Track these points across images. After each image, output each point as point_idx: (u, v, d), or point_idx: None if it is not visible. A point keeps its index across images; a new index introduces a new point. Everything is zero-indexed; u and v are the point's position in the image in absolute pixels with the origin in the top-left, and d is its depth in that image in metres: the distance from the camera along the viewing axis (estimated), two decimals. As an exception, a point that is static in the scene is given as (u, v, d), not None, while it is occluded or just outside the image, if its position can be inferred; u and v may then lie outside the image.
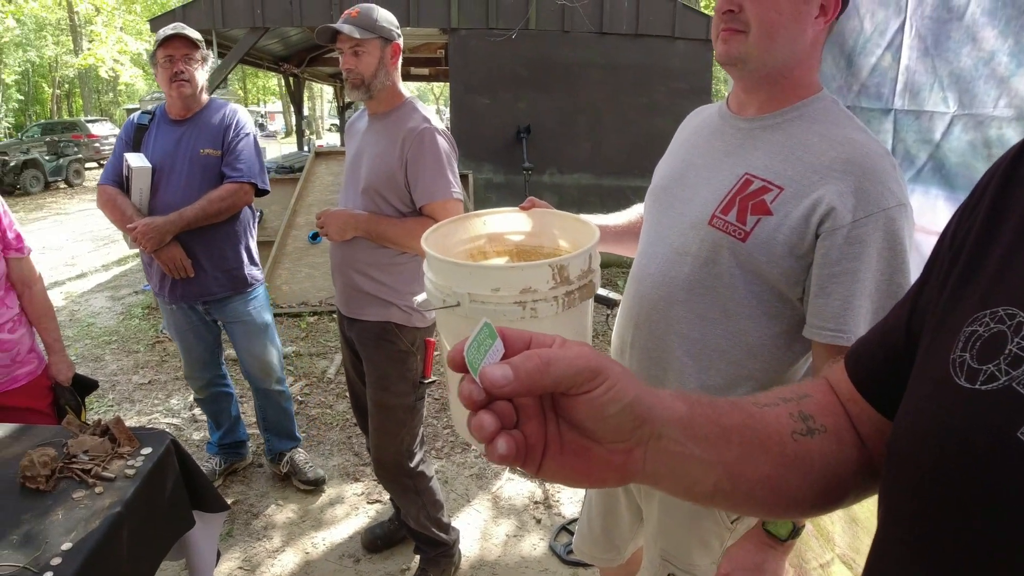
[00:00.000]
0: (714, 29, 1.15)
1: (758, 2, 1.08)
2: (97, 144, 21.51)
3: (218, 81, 6.66)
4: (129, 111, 31.54)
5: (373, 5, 2.08)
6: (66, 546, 1.42)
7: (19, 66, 31.48)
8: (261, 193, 2.74)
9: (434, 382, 2.29)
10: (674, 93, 6.82)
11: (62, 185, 16.60)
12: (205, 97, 2.72)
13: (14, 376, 2.17)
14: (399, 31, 2.11)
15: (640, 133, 6.84)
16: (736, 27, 1.10)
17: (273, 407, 3.06)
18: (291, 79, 12.09)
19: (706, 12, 7.92)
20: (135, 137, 2.68)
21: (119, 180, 2.64)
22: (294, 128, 14.41)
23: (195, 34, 2.60)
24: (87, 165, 19.04)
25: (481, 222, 1.41)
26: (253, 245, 2.85)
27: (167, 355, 4.85)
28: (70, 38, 30.05)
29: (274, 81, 36.63)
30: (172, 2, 22.14)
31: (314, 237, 5.61)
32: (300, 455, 3.15)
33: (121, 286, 6.95)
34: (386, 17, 2.07)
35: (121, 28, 17.96)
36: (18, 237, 2.23)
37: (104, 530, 1.48)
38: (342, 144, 15.35)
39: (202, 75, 2.65)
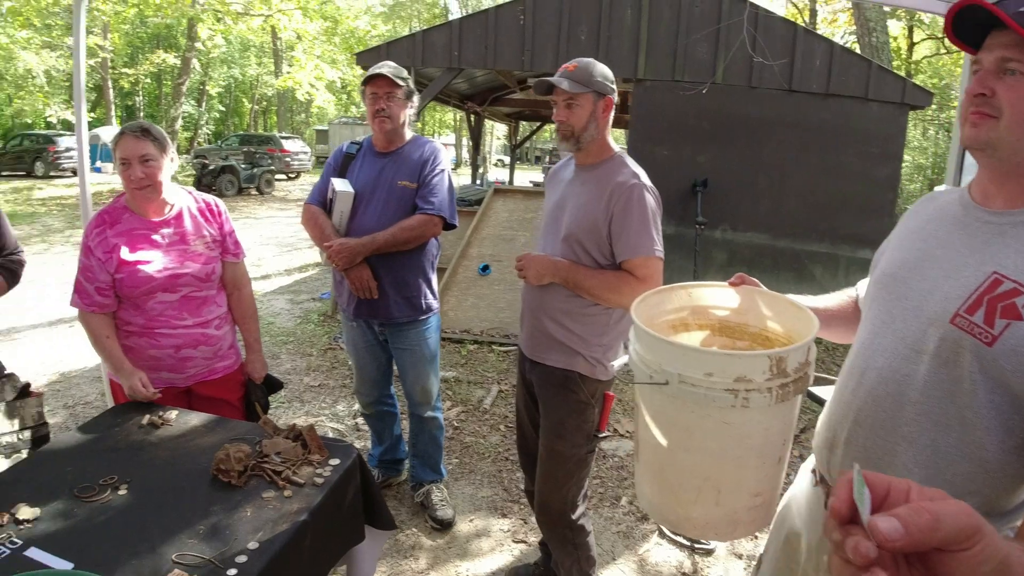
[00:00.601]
0: (962, 111, 1.10)
1: (1013, 88, 1.02)
2: (288, 159, 24.03)
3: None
4: (318, 131, 34.88)
5: (592, 60, 2.13)
6: (252, 545, 1.49)
7: (223, 81, 35.90)
8: (449, 227, 2.88)
9: (607, 436, 2.28)
10: (864, 156, 6.43)
11: (253, 192, 18.56)
12: (409, 133, 2.91)
13: (213, 368, 2.42)
14: (614, 85, 2.15)
15: (824, 195, 6.50)
16: (987, 111, 1.05)
17: (425, 435, 3.16)
18: (472, 116, 12.73)
19: (900, 74, 7.42)
20: (343, 164, 2.93)
21: (323, 201, 2.89)
22: (468, 162, 15.13)
23: (402, 72, 2.77)
24: (276, 176, 21.24)
25: (687, 294, 1.40)
26: (434, 277, 3.01)
27: (337, 362, 5.21)
28: (272, 60, 33.64)
29: (450, 115, 38.87)
30: (371, 34, 24.22)
31: (484, 269, 5.82)
32: (437, 493, 3.18)
33: (301, 291, 7.58)
34: (603, 72, 2.12)
35: (319, 56, 19.86)
36: (236, 243, 2.51)
37: (290, 534, 1.56)
38: (510, 181, 15.95)
39: (404, 112, 2.81)
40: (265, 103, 41.83)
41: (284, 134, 28.03)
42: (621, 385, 4.35)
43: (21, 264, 2.27)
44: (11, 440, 1.99)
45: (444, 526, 3.06)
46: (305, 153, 26.15)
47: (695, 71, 6.39)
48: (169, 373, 2.33)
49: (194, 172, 18.37)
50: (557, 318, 2.16)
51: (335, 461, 1.88)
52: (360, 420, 4.12)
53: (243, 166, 18.29)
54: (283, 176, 23.51)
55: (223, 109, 38.92)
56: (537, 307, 2.21)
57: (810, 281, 6.66)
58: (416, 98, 2.88)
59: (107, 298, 2.23)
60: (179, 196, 2.38)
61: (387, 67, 2.76)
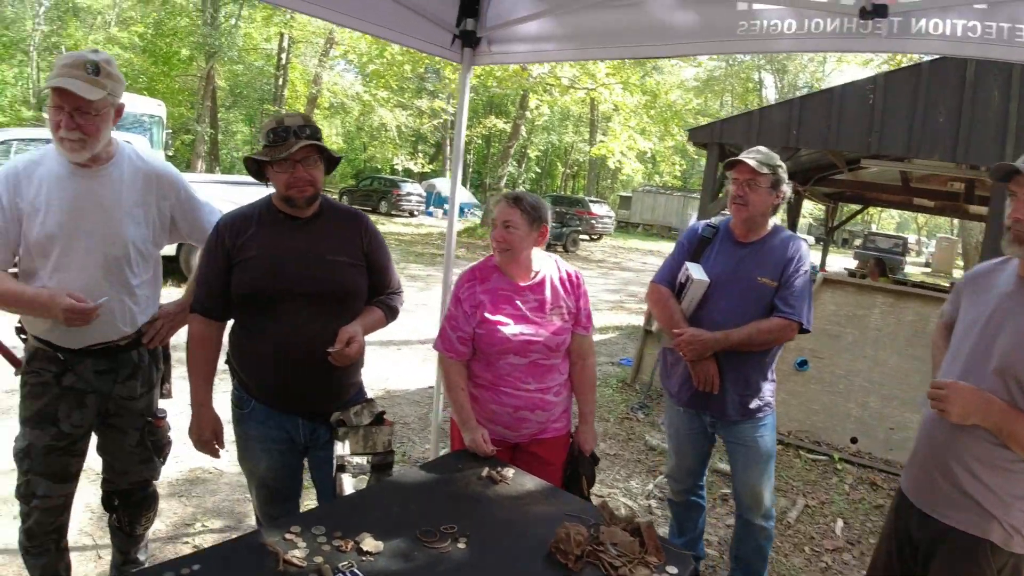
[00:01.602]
0: None
1: None
2: (593, 221, 25.45)
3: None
4: (622, 197, 36.22)
5: None
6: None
7: (542, 145, 39.04)
8: (803, 332, 2.62)
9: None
10: None
11: (560, 249, 19.71)
12: (770, 223, 2.73)
13: (544, 430, 2.46)
14: None
15: None
16: None
17: (750, 542, 2.86)
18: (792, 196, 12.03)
19: None
20: (697, 247, 2.80)
21: (672, 282, 2.79)
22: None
23: (772, 159, 2.61)
24: (581, 236, 22.42)
25: None
26: (773, 374, 2.75)
27: (633, 435, 5.10)
28: (587, 129, 35.72)
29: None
30: (685, 107, 24.52)
31: (801, 364, 5.32)
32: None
33: (600, 352, 7.65)
34: None
35: (633, 127, 20.58)
36: (588, 316, 2.53)
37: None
38: (822, 264, 14.73)
39: (764, 199, 2.61)
40: (576, 167, 44.76)
41: (592, 198, 29.65)
42: None
43: (401, 303, 2.52)
44: (360, 462, 2.18)
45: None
46: (609, 217, 27.49)
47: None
48: (504, 429, 2.42)
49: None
50: (973, 468, 1.74)
51: (672, 570, 1.73)
52: (654, 502, 3.94)
53: (553, 224, 19.55)
54: (587, 237, 24.87)
55: (539, 171, 42.62)
56: (947, 449, 1.80)
57: None
58: (787, 187, 2.69)
59: (466, 347, 2.40)
60: (545, 264, 2.48)
61: (755, 154, 2.63)
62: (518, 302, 2.38)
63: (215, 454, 2.29)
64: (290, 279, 2.09)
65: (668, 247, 11.66)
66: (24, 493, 2.23)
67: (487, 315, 2.34)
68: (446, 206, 28.75)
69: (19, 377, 2.26)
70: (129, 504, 2.47)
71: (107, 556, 2.93)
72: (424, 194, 27.29)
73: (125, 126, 13.07)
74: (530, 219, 2.35)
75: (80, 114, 1.99)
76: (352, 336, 2.08)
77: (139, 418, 2.35)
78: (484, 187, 35.78)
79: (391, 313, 2.35)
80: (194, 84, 25.84)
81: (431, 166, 34.59)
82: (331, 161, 2.19)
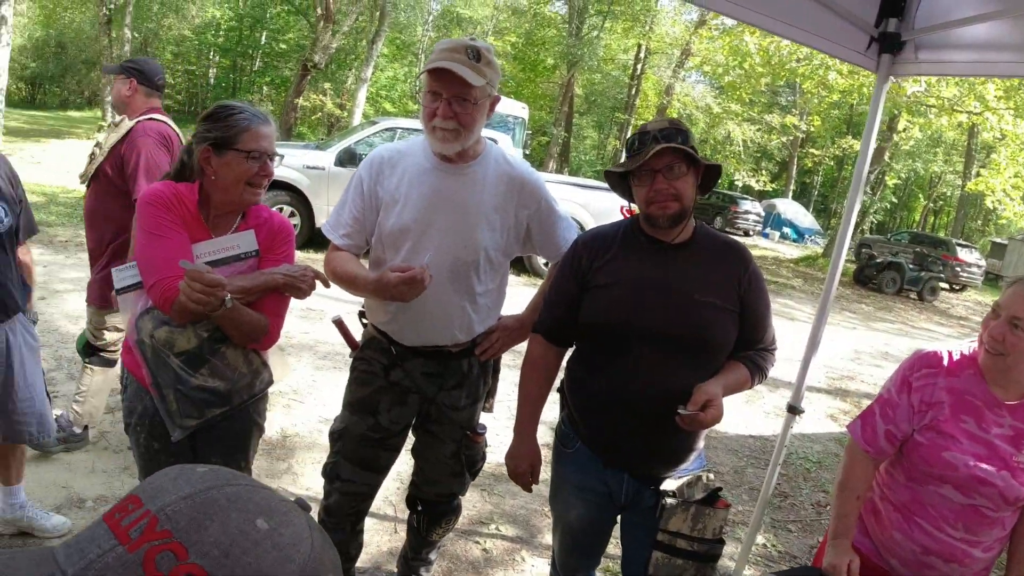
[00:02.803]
0: None
1: None
2: (959, 268, 20.89)
3: None
4: (994, 244, 29.59)
5: None
6: None
7: (904, 173, 33.49)
8: None
9: None
10: None
11: (912, 296, 16.79)
12: None
13: None
14: None
15: None
16: None
17: None
18: None
19: None
20: None
21: None
22: None
23: None
24: (942, 285, 18.65)
25: None
26: None
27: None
28: (961, 160, 30.01)
29: None
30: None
31: None
32: None
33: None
34: None
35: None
36: None
37: None
38: None
39: None
40: (941, 202, 38.37)
41: (959, 240, 24.82)
42: None
43: (772, 363, 2.02)
44: (688, 548, 1.78)
45: None
46: (979, 266, 22.45)
47: None
48: (897, 564, 1.81)
49: (857, 261, 17.84)
50: None
51: None
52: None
53: (911, 266, 16.79)
54: (947, 286, 20.75)
55: (895, 201, 37.30)
56: None
57: None
58: None
59: (891, 447, 1.82)
60: None
61: None
62: (990, 423, 1.71)
63: (527, 488, 2.10)
64: (645, 316, 1.76)
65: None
66: (330, 473, 2.29)
67: (939, 422, 1.73)
68: (785, 229, 26.83)
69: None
70: (431, 513, 2.42)
71: (403, 532, 3.00)
72: (763, 214, 25.66)
73: (491, 124, 14.43)
74: None
75: (458, 101, 1.88)
76: (710, 399, 1.68)
77: (458, 430, 2.26)
78: (829, 213, 32.52)
79: (759, 374, 1.89)
80: (554, 90, 27.73)
81: (773, 185, 32.50)
82: (707, 176, 1.80)
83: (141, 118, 3.05)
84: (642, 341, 1.77)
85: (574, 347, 2.00)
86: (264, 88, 30.71)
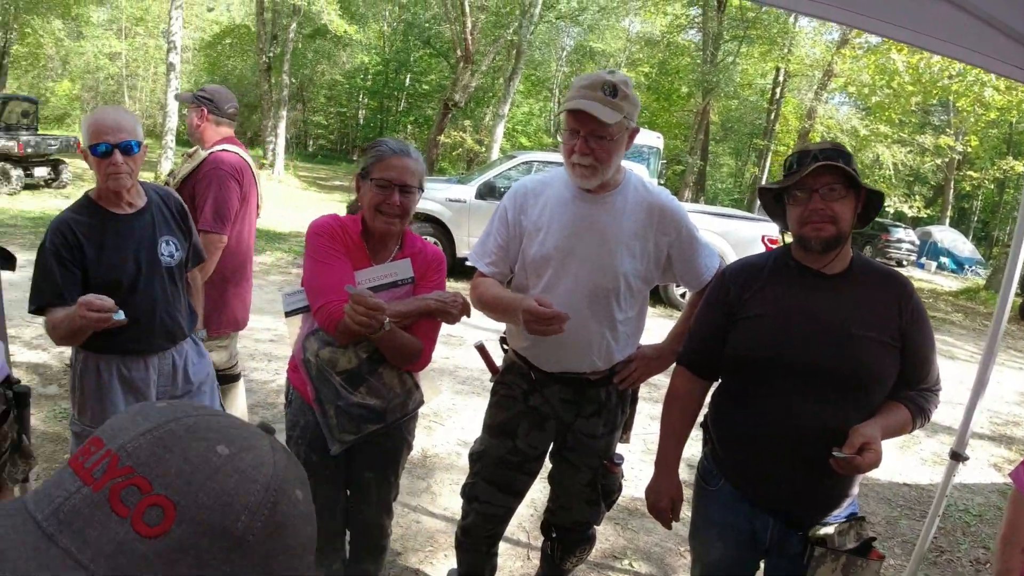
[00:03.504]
0: None
1: None
2: None
3: None
4: None
5: None
6: None
7: None
8: None
9: None
10: None
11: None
12: None
13: None
14: None
15: None
16: None
17: None
18: None
19: None
20: None
21: None
22: None
23: None
24: None
25: None
26: None
27: None
28: None
29: None
30: None
31: None
32: None
33: None
34: None
35: None
36: None
37: None
38: None
39: None
40: None
41: None
42: None
43: (936, 404, 1.88)
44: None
45: None
46: None
47: None
48: None
49: (1025, 294, 15.99)
50: None
51: None
52: None
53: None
54: None
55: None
56: None
57: None
58: None
59: None
60: None
61: None
62: None
63: (667, 525, 2.06)
64: (796, 350, 1.69)
65: None
66: (469, 493, 2.36)
67: None
68: (942, 258, 24.52)
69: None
70: (565, 541, 2.43)
71: (536, 560, 3.02)
72: (917, 242, 23.67)
73: (627, 155, 14.39)
74: None
75: (595, 139, 1.93)
76: (868, 442, 1.58)
77: (595, 458, 2.26)
78: (992, 241, 29.41)
79: (921, 417, 1.76)
80: (689, 119, 27.30)
81: (928, 211, 29.97)
82: (868, 204, 1.71)
83: (215, 148, 3.05)
84: (793, 376, 1.70)
85: (719, 380, 1.96)
86: (408, 127, 32.58)
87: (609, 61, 30.62)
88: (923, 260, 23.81)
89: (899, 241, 22.74)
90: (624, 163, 2.15)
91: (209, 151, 3.05)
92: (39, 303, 2.05)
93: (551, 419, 2.22)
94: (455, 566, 2.96)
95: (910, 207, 26.63)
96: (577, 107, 1.90)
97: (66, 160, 13.57)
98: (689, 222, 2.14)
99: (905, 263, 22.74)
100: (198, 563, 0.50)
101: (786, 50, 24.18)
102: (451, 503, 3.47)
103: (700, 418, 2.03)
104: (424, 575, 2.93)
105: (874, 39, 17.85)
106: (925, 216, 28.89)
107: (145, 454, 0.51)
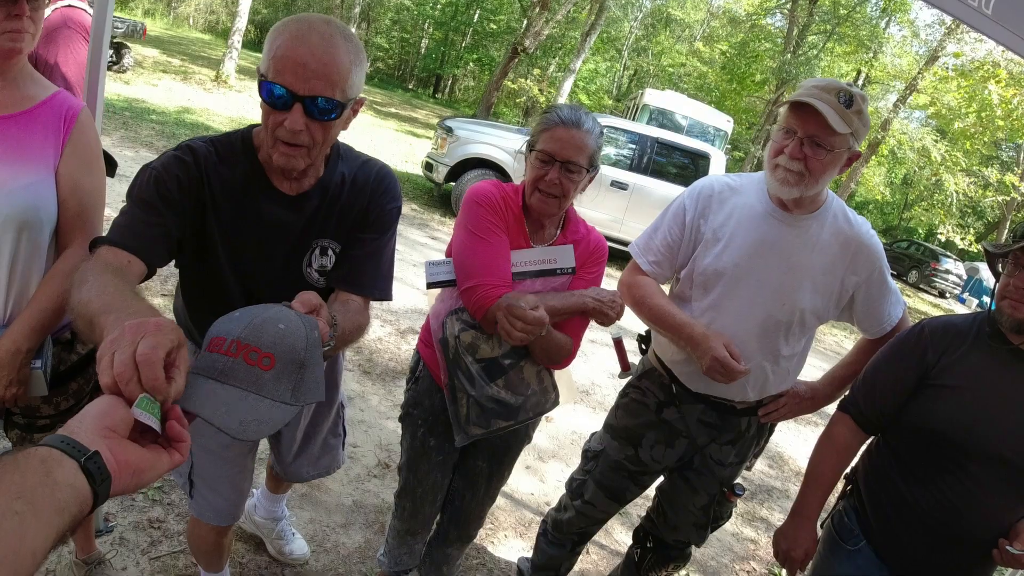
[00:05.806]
0: None
1: None
2: None
3: None
4: None
5: None
6: None
7: None
8: None
9: None
10: None
11: None
12: None
13: None
14: None
15: None
16: None
17: None
18: None
19: None
20: None
21: None
22: None
23: None
24: None
25: None
26: None
27: None
28: None
29: None
30: None
31: None
32: None
33: None
34: None
35: None
36: None
37: None
38: None
39: None
40: None
41: None
42: None
43: None
44: None
45: None
46: None
47: None
48: None
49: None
50: None
51: None
52: None
53: None
54: None
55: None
56: None
57: None
58: None
59: None
60: None
61: None
62: None
63: (792, 574, 1.91)
64: (992, 435, 1.56)
65: None
66: (575, 489, 2.24)
67: None
68: (985, 298, 23.81)
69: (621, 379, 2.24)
70: (661, 553, 2.30)
71: (610, 560, 2.94)
72: (964, 276, 22.97)
73: (692, 133, 13.90)
74: None
75: (812, 145, 1.70)
76: None
77: (716, 484, 2.12)
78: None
79: None
80: (759, 106, 26.40)
81: (977, 245, 29.09)
82: None
83: (59, 4, 2.56)
84: (982, 462, 1.57)
85: (885, 441, 1.80)
86: (471, 64, 31.76)
87: (685, 31, 29.59)
88: (965, 295, 23.15)
89: (947, 272, 22.10)
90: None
91: (53, 7, 2.50)
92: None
93: (683, 437, 2.07)
94: (520, 550, 2.86)
95: (962, 239, 25.82)
96: (808, 101, 1.67)
97: (129, 45, 13.21)
98: (884, 263, 1.92)
99: (948, 295, 22.16)
100: (288, 376, 0.99)
101: (872, 54, 23.20)
102: (517, 483, 3.35)
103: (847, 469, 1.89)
104: (484, 551, 2.83)
105: (966, 61, 17.00)
106: (974, 250, 28.02)
107: (252, 335, 0.98)
